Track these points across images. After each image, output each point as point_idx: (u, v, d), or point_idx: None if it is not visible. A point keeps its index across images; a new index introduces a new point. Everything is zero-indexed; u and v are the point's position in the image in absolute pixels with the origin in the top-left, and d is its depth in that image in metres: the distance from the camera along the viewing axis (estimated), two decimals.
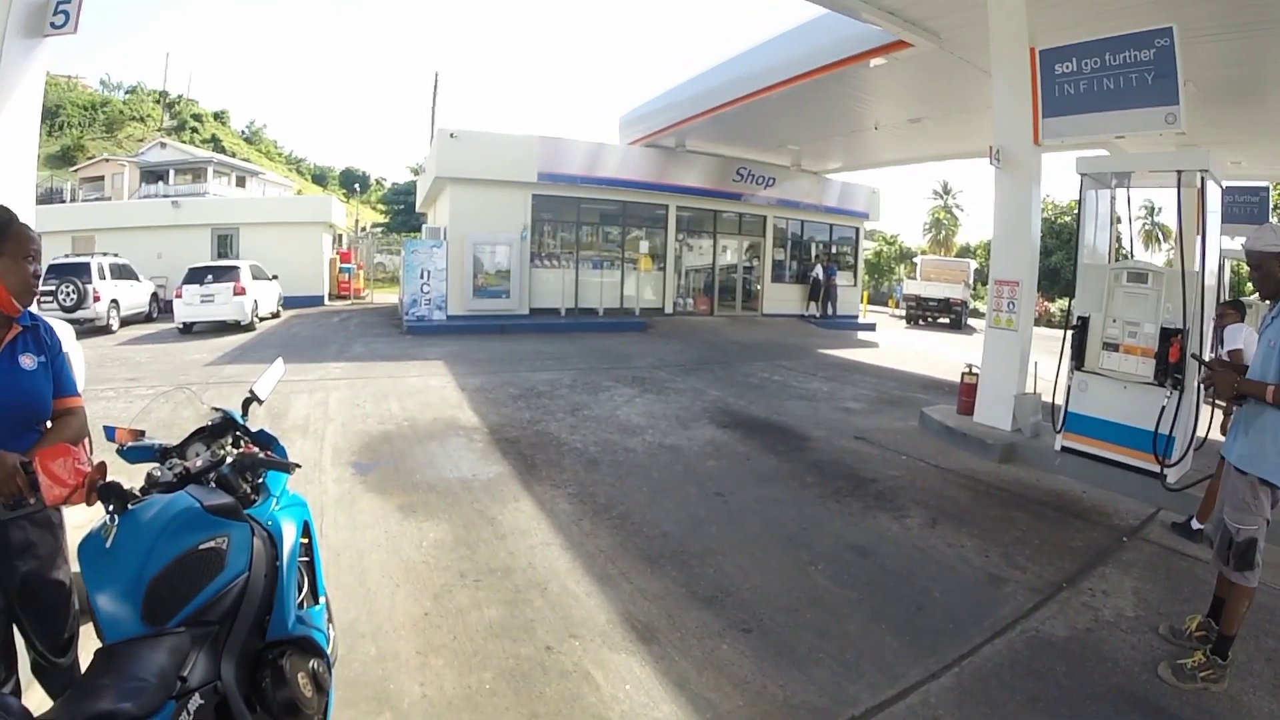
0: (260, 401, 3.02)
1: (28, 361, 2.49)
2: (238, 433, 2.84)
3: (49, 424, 2.54)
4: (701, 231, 25.00)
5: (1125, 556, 5.60)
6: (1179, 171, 7.00)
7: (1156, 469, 6.43)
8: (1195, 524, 5.89)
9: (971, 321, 31.15)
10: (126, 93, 64.94)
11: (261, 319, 20.58)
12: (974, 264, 34.24)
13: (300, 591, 2.61)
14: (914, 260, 42.22)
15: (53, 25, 4.61)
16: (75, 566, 2.34)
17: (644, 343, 17.77)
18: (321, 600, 2.84)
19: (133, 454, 2.64)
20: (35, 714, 1.69)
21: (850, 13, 10.79)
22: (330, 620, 3.07)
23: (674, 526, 5.75)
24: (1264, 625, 4.50)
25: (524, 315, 20.97)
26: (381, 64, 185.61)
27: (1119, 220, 8.49)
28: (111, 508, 2.17)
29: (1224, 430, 4.60)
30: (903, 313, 34.80)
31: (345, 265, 31.60)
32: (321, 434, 7.94)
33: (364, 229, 47.81)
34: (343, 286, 30.96)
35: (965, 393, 9.29)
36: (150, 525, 2.16)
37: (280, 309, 23.09)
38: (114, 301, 19.02)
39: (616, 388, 11.27)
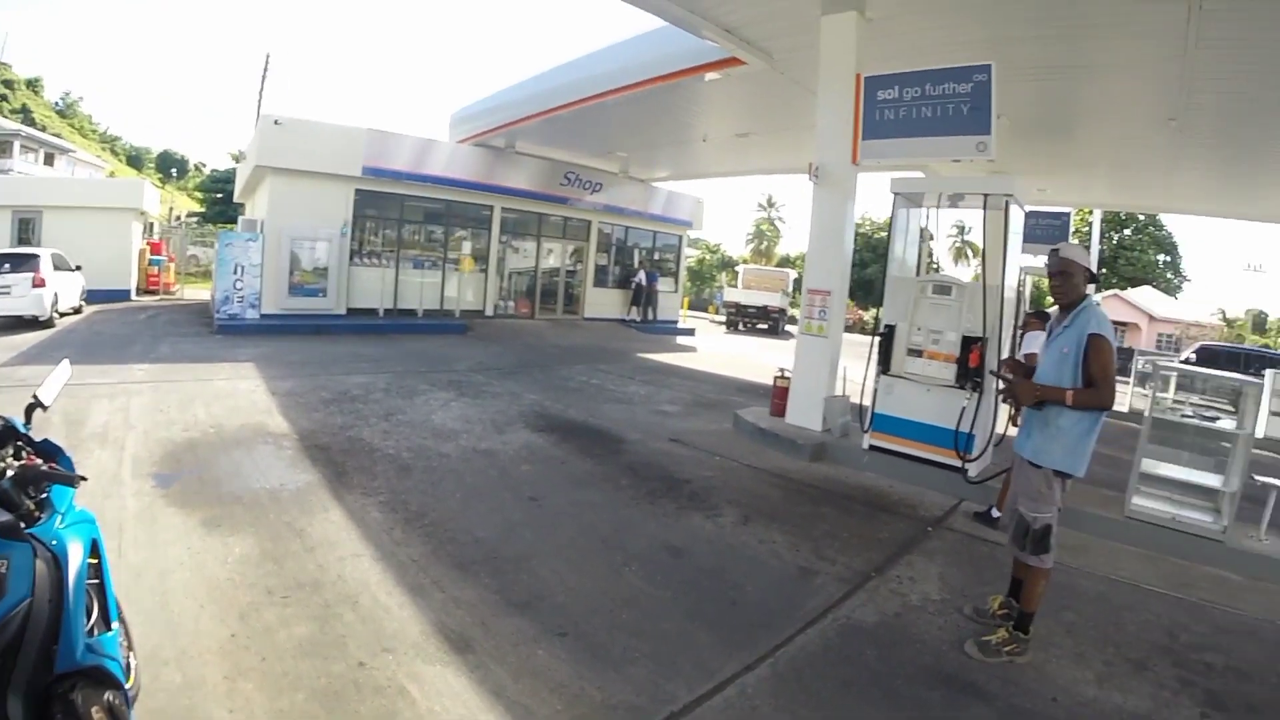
0: (45, 408, 2.76)
1: None
2: (19, 443, 2.60)
3: None
4: (526, 234, 24.69)
5: (930, 545, 5.92)
6: (985, 195, 7.65)
7: (958, 464, 6.88)
8: (995, 512, 6.38)
9: (789, 328, 32.53)
10: None
11: (62, 314, 18.40)
12: (793, 274, 35.98)
13: (90, 617, 2.38)
14: (735, 269, 43.97)
15: None
16: None
17: (463, 345, 17.43)
18: (115, 626, 2.58)
19: None
20: None
21: (691, 29, 10.96)
22: (130, 647, 2.82)
23: (488, 532, 5.60)
24: (1063, 601, 4.87)
25: (341, 315, 20.02)
26: (210, 41, 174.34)
27: (931, 237, 9.02)
28: None
29: (1014, 422, 5.04)
30: (723, 319, 36.15)
31: (156, 257, 29.21)
32: (122, 443, 7.28)
33: (179, 218, 44.64)
34: (152, 280, 28.62)
35: (778, 395, 9.59)
36: None
37: (83, 303, 20.88)
38: None
39: (433, 391, 10.97)
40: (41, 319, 16.80)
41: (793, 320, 32.72)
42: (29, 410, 2.73)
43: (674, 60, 13.68)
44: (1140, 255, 48.67)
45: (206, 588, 4.45)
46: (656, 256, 28.38)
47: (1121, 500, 6.63)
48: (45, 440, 2.71)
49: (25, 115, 54.40)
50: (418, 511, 5.94)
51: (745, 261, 56.98)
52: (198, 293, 29.36)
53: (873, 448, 8.03)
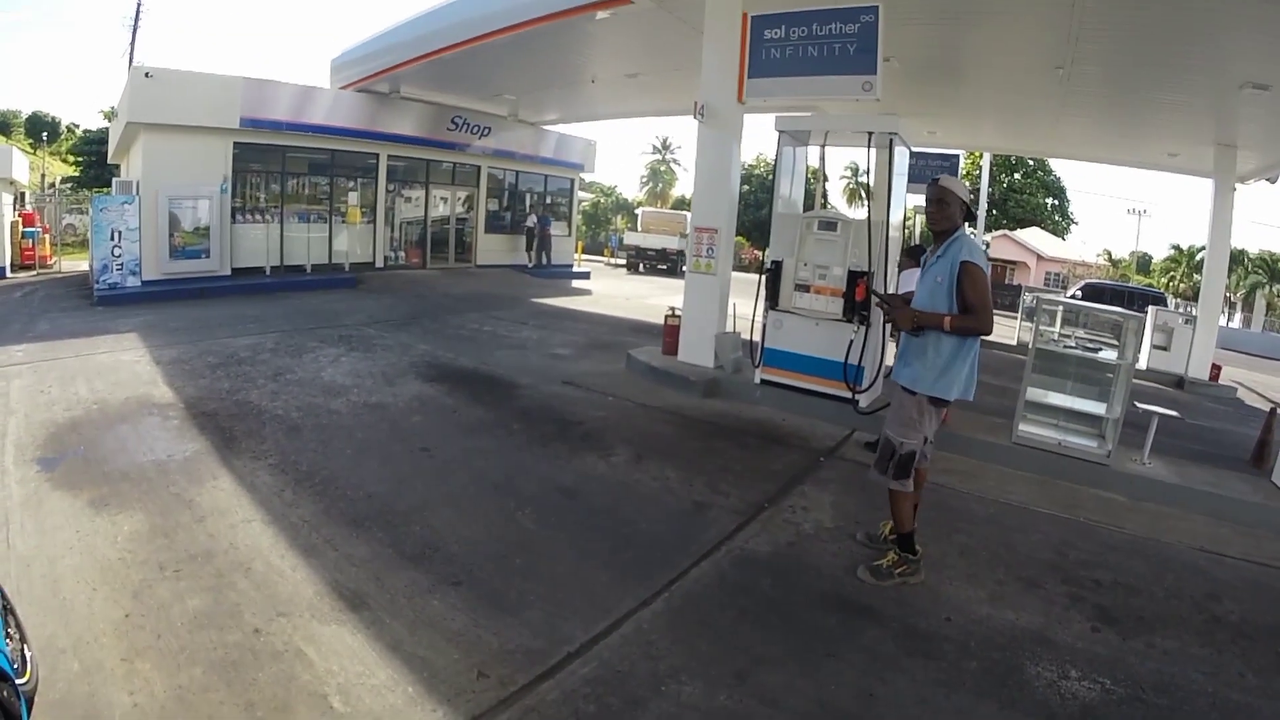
0: None
1: None
2: None
3: None
4: (414, 182, 24.06)
5: (823, 475, 6.09)
6: (870, 133, 7.80)
7: (849, 396, 6.96)
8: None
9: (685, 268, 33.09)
10: None
11: None
12: (687, 215, 36.19)
13: None
14: (635, 212, 44.30)
15: None
16: None
17: (353, 299, 17.02)
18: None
19: None
20: None
21: None
22: (24, 640, 2.70)
23: (379, 487, 5.55)
24: (955, 524, 5.09)
25: (226, 276, 19.10)
26: None
27: (825, 178, 9.14)
28: None
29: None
30: (621, 262, 36.50)
31: (29, 229, 27.36)
32: (3, 429, 6.92)
33: (52, 185, 42.04)
34: (26, 255, 26.73)
35: (669, 334, 9.69)
36: None
37: None
38: None
39: (322, 348, 10.71)
40: None
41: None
42: None
43: None
44: (1029, 198, 50.30)
45: (98, 569, 4.33)
46: (549, 200, 28.03)
47: (1009, 427, 6.92)
48: None
49: None
50: (308, 471, 5.84)
51: (641, 204, 57.12)
52: (76, 264, 27.81)
53: (764, 382, 8.20)
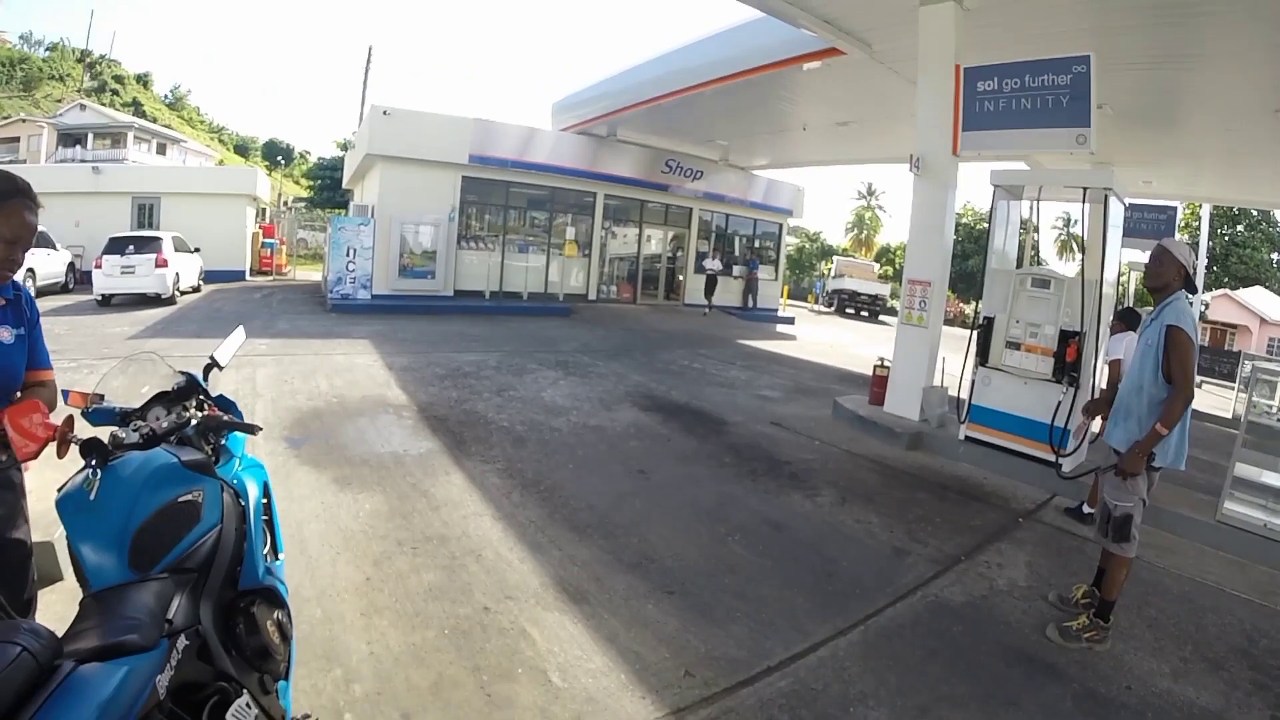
0: (221, 368, 3.06)
1: (5, 334, 2.53)
2: (200, 397, 2.87)
3: (19, 395, 2.55)
4: (628, 220, 24.96)
5: (1020, 535, 6.07)
6: (1084, 188, 7.62)
7: (1052, 458, 6.87)
8: (1086, 508, 6.44)
9: (883, 317, 33.70)
10: (47, 50, 61.79)
11: (183, 293, 19.85)
12: (877, 266, 39.09)
13: (265, 546, 2.70)
14: (830, 259, 44.32)
15: None
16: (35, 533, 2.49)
17: (567, 328, 17.79)
18: (282, 556, 2.94)
19: (96, 416, 2.67)
20: None
21: (789, 20, 11.07)
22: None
23: (599, 500, 5.96)
24: (1147, 597, 5.01)
25: (449, 297, 20.67)
26: (311, 34, 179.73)
27: (1035, 229, 9.02)
28: (94, 462, 2.21)
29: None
30: (824, 309, 36.83)
31: (268, 240, 30.50)
32: (251, 409, 7.83)
33: (287, 203, 46.43)
34: (265, 262, 29.92)
35: (876, 384, 9.76)
36: (133, 479, 2.24)
37: (201, 283, 22.20)
38: (30, 271, 17.66)
39: (541, 370, 11.36)
40: (164, 296, 18.21)
41: (890, 310, 33.28)
42: (206, 369, 2.98)
43: (773, 50, 13.84)
44: (1253, 253, 44.64)
45: (341, 537, 4.93)
46: (757, 244, 28.35)
47: (1214, 504, 6.54)
48: (221, 395, 3.01)
49: (136, 108, 57.32)
50: (533, 479, 6.34)
51: (846, 251, 57.21)
52: (308, 274, 30.52)
53: (968, 439, 8.13)
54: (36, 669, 1.60)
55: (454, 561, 4.68)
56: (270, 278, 28.66)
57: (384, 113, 19.89)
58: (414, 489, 5.95)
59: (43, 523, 4.12)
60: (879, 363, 9.88)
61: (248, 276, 27.44)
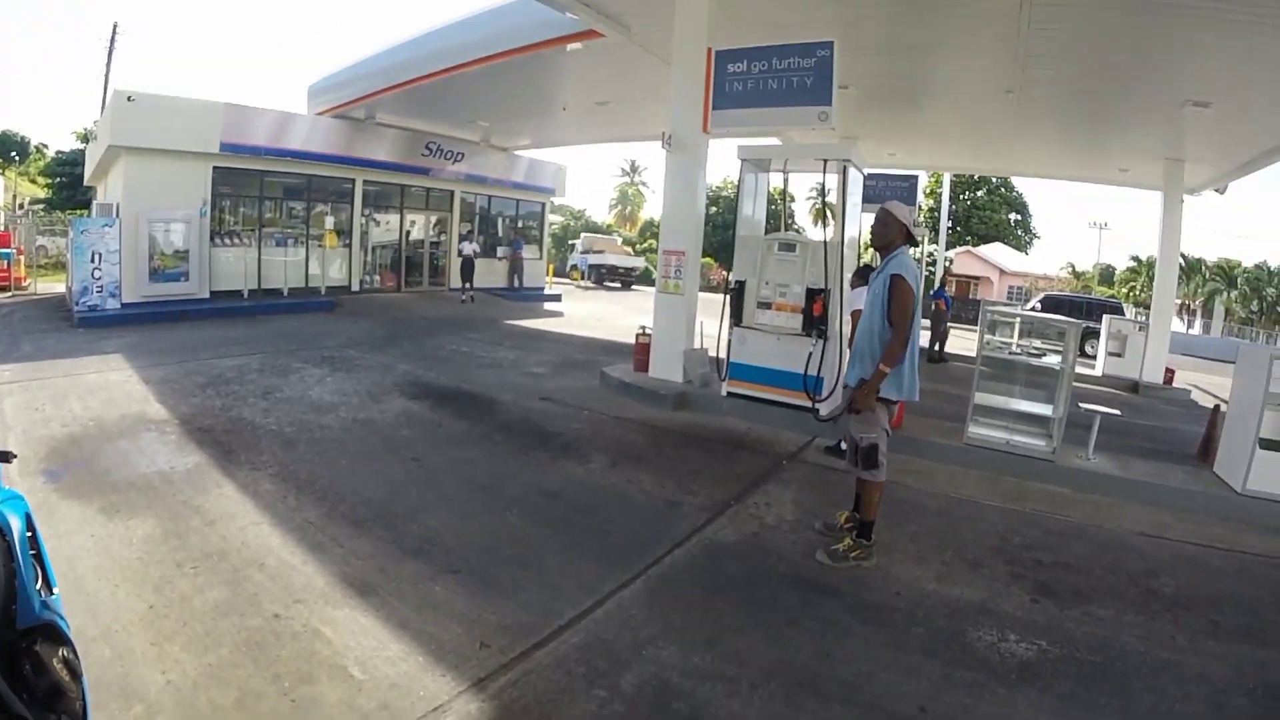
0: None
1: None
2: None
3: None
4: (389, 206, 24.26)
5: (785, 476, 6.54)
6: (825, 160, 8.34)
7: (809, 405, 7.49)
8: (844, 445, 6.95)
9: (635, 286, 36.46)
10: None
11: None
12: (619, 238, 43.07)
13: (37, 581, 2.55)
14: (578, 237, 46.38)
15: None
16: None
17: (332, 322, 17.24)
18: (56, 591, 2.76)
19: None
20: None
21: (553, 4, 11.20)
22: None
23: (375, 492, 5.90)
24: (908, 516, 5.61)
25: (205, 299, 19.22)
26: (47, 11, 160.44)
27: (792, 199, 9.63)
28: None
29: None
30: (589, 284, 37.54)
31: (3, 251, 27.51)
32: (3, 443, 7.06)
33: (23, 206, 41.80)
34: (1, 276, 27.04)
35: (640, 351, 10.11)
36: None
37: None
38: None
39: (306, 368, 10.98)
40: None
41: (645, 280, 35.78)
42: None
43: (535, 30, 13.76)
44: (992, 215, 51.20)
45: (117, 568, 4.61)
46: (521, 224, 28.32)
47: (962, 430, 7.41)
48: None
49: None
50: (307, 480, 6.17)
51: (611, 227, 58.63)
52: (51, 286, 27.67)
53: (730, 394, 8.63)
54: None
55: (237, 574, 4.52)
56: (9, 294, 25.63)
57: (128, 98, 18.16)
58: (186, 506, 5.65)
59: None
60: (640, 331, 10.23)
61: None
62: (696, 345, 9.75)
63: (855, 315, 6.92)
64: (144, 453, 6.99)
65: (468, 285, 22.61)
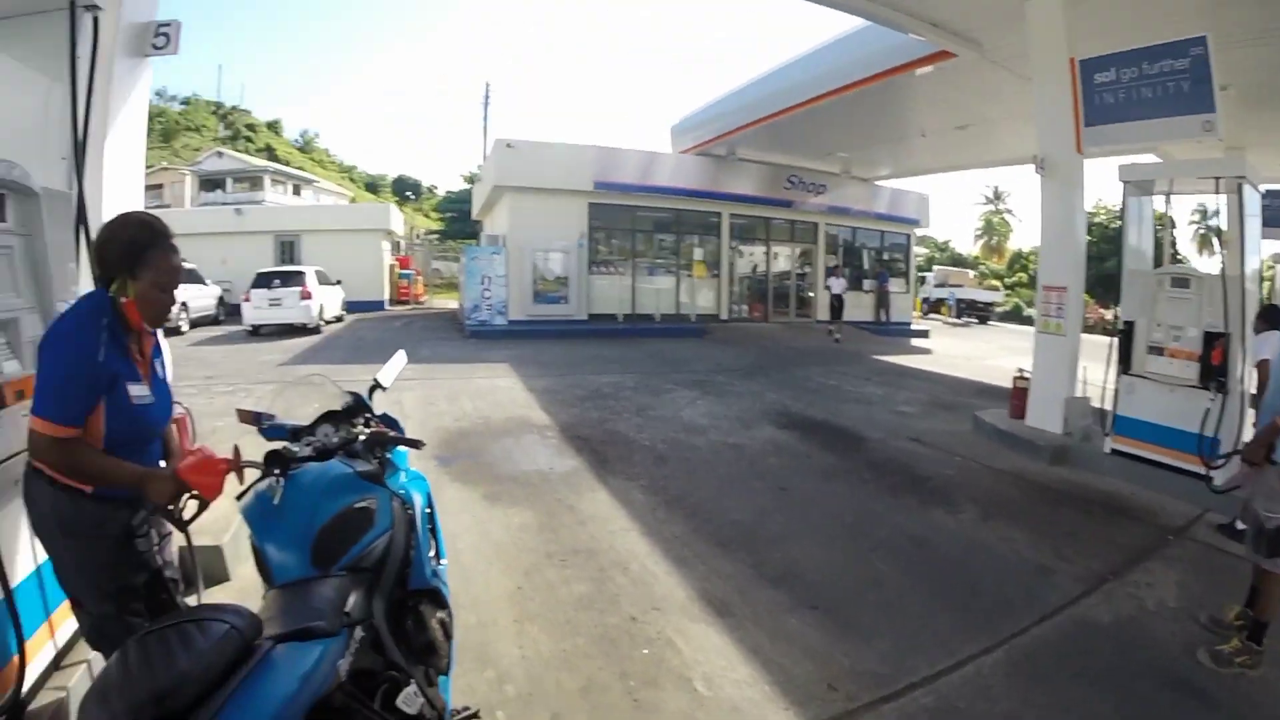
0: (384, 389, 3.33)
1: (166, 373, 2.83)
2: (367, 415, 3.08)
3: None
4: (754, 238, 25.01)
5: (1170, 553, 5.86)
6: (1217, 178, 7.27)
7: (1202, 471, 6.44)
8: (1240, 525, 5.85)
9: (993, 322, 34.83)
10: (182, 103, 66.07)
11: (326, 322, 21.37)
12: (971, 273, 41.90)
13: (430, 551, 2.91)
14: (929, 270, 44.28)
15: (154, 47, 4.91)
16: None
17: (701, 348, 18.06)
18: (444, 562, 3.13)
19: (270, 432, 2.89)
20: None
21: (896, 26, 11.11)
22: None
23: (742, 515, 6.12)
24: None
25: (583, 320, 21.30)
26: (430, 73, 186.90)
27: (1172, 225, 8.66)
28: (277, 472, 2.44)
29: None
30: (957, 320, 36.16)
31: (404, 271, 32.32)
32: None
33: (419, 236, 48.77)
34: (402, 292, 31.69)
35: (1016, 397, 9.50)
36: (313, 486, 2.49)
37: (344, 313, 23.84)
38: (184, 304, 19.54)
39: (678, 390, 11.63)
40: (309, 326, 19.70)
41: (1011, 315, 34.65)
42: (370, 390, 3.24)
43: (884, 58, 13.81)
44: None
45: (493, 549, 5.27)
46: (885, 256, 27.89)
47: None
48: (385, 414, 3.24)
49: (269, 153, 60.68)
50: (677, 495, 6.56)
51: (977, 259, 55.87)
52: (445, 302, 32.01)
53: (1114, 451, 7.82)
54: (242, 644, 1.83)
55: (602, 573, 4.93)
56: (409, 307, 30.33)
57: (508, 145, 20.75)
58: (561, 504, 6.27)
59: (210, 530, 4.71)
60: (1018, 374, 9.61)
61: (387, 306, 29.19)
62: (1079, 393, 9.02)
63: (1262, 366, 6.06)
64: (526, 452, 7.83)
65: (836, 323, 21.58)
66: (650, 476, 7.15)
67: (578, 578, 4.87)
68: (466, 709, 2.87)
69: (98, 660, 3.29)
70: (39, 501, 2.57)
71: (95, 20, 4.06)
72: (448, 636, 2.80)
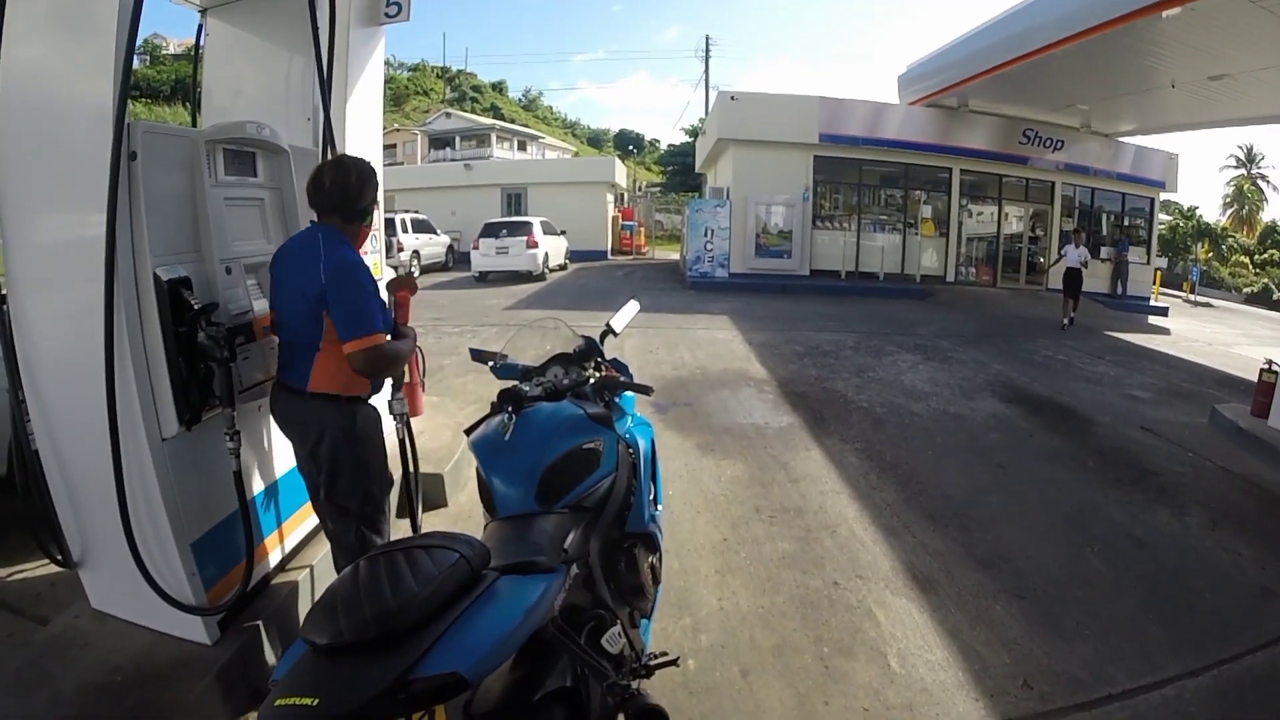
0: (615, 334, 3.45)
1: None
2: (598, 359, 3.20)
3: None
4: (985, 197, 23.99)
5: None
6: None
7: None
8: None
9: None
10: (409, 70, 71.10)
11: (550, 270, 22.49)
12: None
13: (649, 495, 3.03)
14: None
15: (386, 15, 5.31)
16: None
17: (924, 310, 17.72)
18: (660, 507, 3.25)
19: (502, 371, 3.14)
20: None
21: None
22: None
23: (956, 490, 6.11)
24: None
25: (804, 276, 21.37)
26: (650, 25, 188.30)
27: None
28: (510, 409, 2.59)
29: None
30: (1200, 299, 32.97)
31: (627, 223, 33.37)
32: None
33: (641, 189, 49.79)
34: (624, 242, 32.80)
35: (1262, 393, 8.58)
36: (544, 425, 2.61)
37: (567, 262, 25.20)
38: (415, 252, 21.67)
39: (899, 353, 11.60)
40: (534, 274, 20.90)
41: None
42: (602, 335, 3.36)
43: (1123, 1, 12.74)
44: None
45: (702, 499, 5.53)
46: (1125, 222, 25.88)
47: None
48: (615, 359, 3.42)
49: (495, 112, 64.62)
50: (891, 462, 6.63)
51: (1225, 229, 49.33)
52: (666, 254, 32.86)
53: None
54: (470, 574, 1.90)
55: (808, 534, 5.08)
56: (630, 257, 31.39)
57: (731, 98, 21.08)
58: (774, 460, 6.46)
59: (433, 458, 5.19)
60: (1266, 367, 8.69)
61: (609, 256, 30.53)
62: None
63: None
64: (741, 405, 8.08)
65: (1071, 304, 16.97)
66: (866, 440, 7.22)
67: (784, 535, 5.04)
68: (664, 654, 2.89)
69: (320, 568, 3.89)
70: (332, 418, 3.10)
71: None
72: (656, 581, 2.97)
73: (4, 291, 3.21)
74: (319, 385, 3.08)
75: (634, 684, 2.56)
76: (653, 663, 2.80)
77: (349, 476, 3.16)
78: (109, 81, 2.81)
